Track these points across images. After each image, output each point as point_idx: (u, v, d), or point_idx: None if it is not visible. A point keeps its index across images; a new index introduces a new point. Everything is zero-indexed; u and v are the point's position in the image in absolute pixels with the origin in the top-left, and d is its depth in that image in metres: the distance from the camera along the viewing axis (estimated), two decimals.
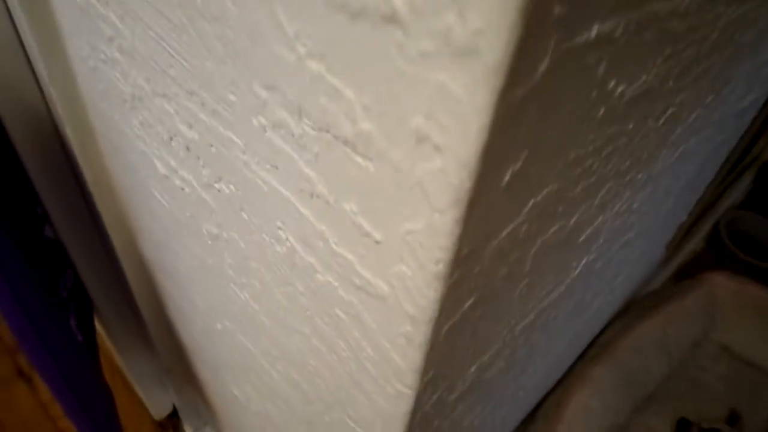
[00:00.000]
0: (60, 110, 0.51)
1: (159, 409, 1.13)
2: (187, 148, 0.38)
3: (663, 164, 0.47)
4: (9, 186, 0.61)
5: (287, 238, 0.34)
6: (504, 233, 0.26)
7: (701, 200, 1.05)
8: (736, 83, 0.52)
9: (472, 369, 0.40)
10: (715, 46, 0.36)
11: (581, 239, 0.40)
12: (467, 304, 0.29)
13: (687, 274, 1.46)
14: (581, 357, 1.12)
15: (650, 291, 1.33)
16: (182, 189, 0.43)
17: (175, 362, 0.88)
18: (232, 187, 0.36)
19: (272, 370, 0.51)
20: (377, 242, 0.27)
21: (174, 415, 1.15)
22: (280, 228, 0.34)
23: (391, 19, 0.19)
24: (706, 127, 0.54)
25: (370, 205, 0.25)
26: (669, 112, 0.37)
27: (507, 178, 0.22)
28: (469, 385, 0.42)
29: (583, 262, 0.47)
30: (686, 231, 1.24)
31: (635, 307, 1.21)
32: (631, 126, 0.31)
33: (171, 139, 0.40)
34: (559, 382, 1.08)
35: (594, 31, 0.20)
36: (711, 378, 1.23)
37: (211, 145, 0.35)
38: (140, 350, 0.96)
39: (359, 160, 0.24)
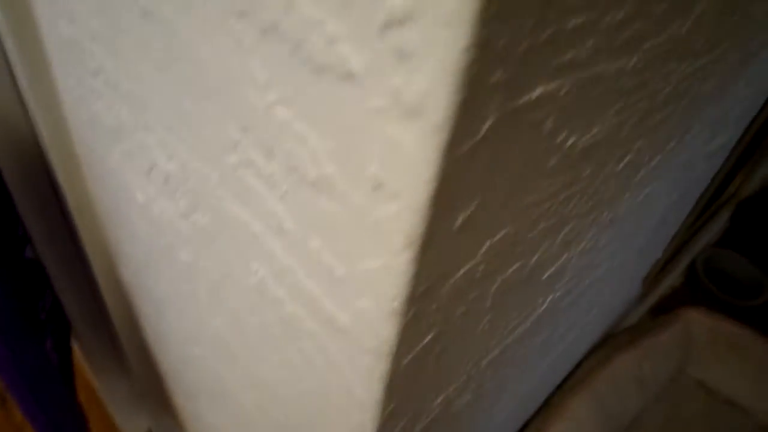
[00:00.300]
0: (45, 136, 0.52)
1: None
2: (166, 180, 0.39)
3: (628, 205, 0.49)
4: None
5: (257, 270, 0.35)
6: (460, 273, 0.28)
7: (676, 237, 1.08)
8: (700, 129, 0.54)
9: (438, 401, 0.41)
10: (671, 98, 0.38)
11: (545, 277, 0.42)
12: (426, 339, 0.30)
13: (664, 309, 1.48)
14: (559, 388, 1.13)
15: (627, 325, 1.34)
16: (160, 218, 0.44)
17: (151, 386, 0.88)
18: (206, 219, 0.37)
19: (245, 397, 0.51)
20: (340, 278, 0.28)
21: None
22: (250, 260, 0.35)
23: (349, 76, 0.20)
24: (672, 170, 0.56)
25: (334, 242, 0.27)
26: (627, 158, 0.39)
27: (459, 222, 0.24)
28: (434, 417, 0.43)
29: (549, 298, 0.48)
30: (662, 267, 1.26)
31: (612, 341, 1.23)
32: (587, 172, 0.33)
33: (151, 169, 0.41)
34: (537, 413, 1.09)
35: (538, 92, 0.22)
36: (686, 413, 1.24)
37: (188, 179, 0.36)
38: (116, 373, 0.95)
39: (323, 200, 0.26)
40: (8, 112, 0.59)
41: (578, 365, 1.17)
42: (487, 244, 0.28)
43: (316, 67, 0.22)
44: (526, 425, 1.08)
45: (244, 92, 0.26)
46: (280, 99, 0.24)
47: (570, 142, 0.28)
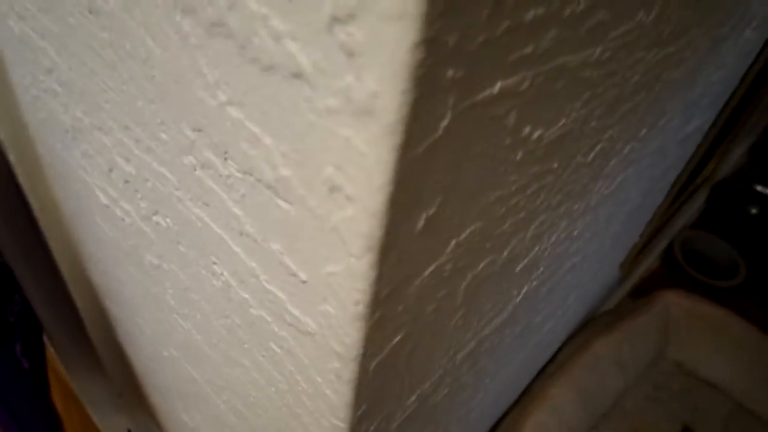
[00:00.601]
0: (3, 137, 0.51)
1: None
2: (126, 181, 0.38)
3: (601, 194, 0.49)
4: None
5: (222, 273, 0.34)
6: (427, 272, 0.27)
7: (652, 221, 1.08)
8: (672, 115, 0.54)
9: (412, 398, 0.40)
10: (640, 86, 0.37)
11: (518, 269, 0.41)
12: (395, 341, 0.29)
13: (643, 292, 1.50)
14: (539, 375, 1.14)
15: (606, 310, 1.35)
16: (123, 219, 0.43)
17: (127, 386, 0.86)
18: (168, 220, 0.36)
19: (218, 399, 0.51)
20: (303, 282, 0.27)
21: None
22: (215, 263, 0.34)
23: (298, 75, 0.19)
24: (645, 157, 0.56)
25: (294, 246, 0.26)
26: (598, 147, 0.38)
27: (421, 223, 0.23)
28: (410, 413, 0.42)
29: (525, 289, 0.48)
30: (639, 251, 1.26)
31: (591, 326, 1.24)
32: (555, 165, 0.32)
33: (110, 170, 0.39)
34: (517, 401, 1.09)
35: (497, 87, 0.21)
36: (665, 395, 1.26)
37: (147, 180, 0.35)
38: (93, 374, 0.94)
39: (281, 203, 0.25)
40: None
41: (558, 351, 1.17)
42: (453, 242, 0.27)
43: (265, 66, 0.21)
44: (506, 413, 1.08)
45: (194, 91, 0.25)
46: (231, 98, 0.23)
47: (536, 135, 0.27)
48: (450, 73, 0.18)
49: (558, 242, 0.47)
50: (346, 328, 0.26)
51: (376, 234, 0.21)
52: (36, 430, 0.69)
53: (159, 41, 0.25)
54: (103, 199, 0.44)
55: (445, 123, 0.19)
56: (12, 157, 0.52)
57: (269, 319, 0.32)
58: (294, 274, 0.27)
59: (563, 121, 0.29)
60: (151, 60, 0.27)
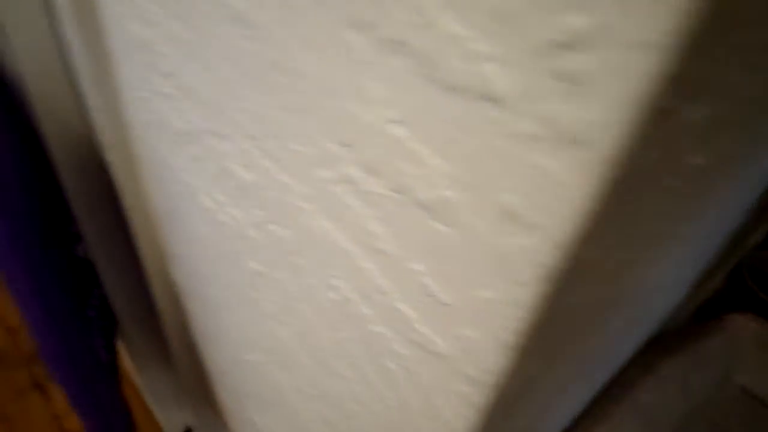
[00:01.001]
0: (105, 136, 0.52)
1: (172, 428, 1.12)
2: (239, 188, 0.38)
3: (716, 216, 0.47)
4: (47, 205, 0.61)
5: (340, 287, 0.34)
6: (583, 303, 0.26)
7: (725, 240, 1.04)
8: None
9: (521, 423, 0.39)
10: None
11: (627, 300, 0.40)
12: (532, 372, 0.28)
13: (707, 312, 1.44)
14: (601, 395, 1.11)
15: (671, 330, 1.31)
16: (228, 225, 0.43)
17: (195, 383, 0.87)
18: (285, 231, 0.36)
19: (303, 406, 0.50)
20: (444, 304, 0.26)
21: None
22: (334, 276, 0.34)
23: (490, 98, 0.19)
24: (755, 175, 0.54)
25: (442, 268, 0.25)
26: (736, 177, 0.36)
27: (611, 264, 0.22)
28: None
29: (622, 318, 0.46)
30: (710, 271, 1.22)
31: (656, 347, 1.20)
32: (711, 196, 0.31)
33: (222, 176, 0.40)
34: (578, 421, 1.07)
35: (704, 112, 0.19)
36: (731, 421, 1.21)
37: (267, 189, 0.35)
38: (159, 369, 0.95)
39: (436, 225, 0.24)
40: (66, 111, 0.58)
41: (622, 371, 1.14)
42: (624, 275, 0.26)
43: (448, 86, 0.20)
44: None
45: (349, 107, 0.25)
46: (396, 117, 0.23)
47: (701, 169, 0.25)
48: (690, 114, 0.17)
49: (667, 269, 0.45)
50: (487, 354, 0.26)
51: (558, 266, 0.20)
52: (113, 420, 0.70)
53: (315, 55, 0.25)
54: (207, 203, 0.44)
55: (655, 161, 0.18)
56: (111, 156, 0.53)
57: (390, 336, 0.32)
58: (433, 295, 0.27)
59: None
60: (301, 74, 0.26)
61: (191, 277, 0.59)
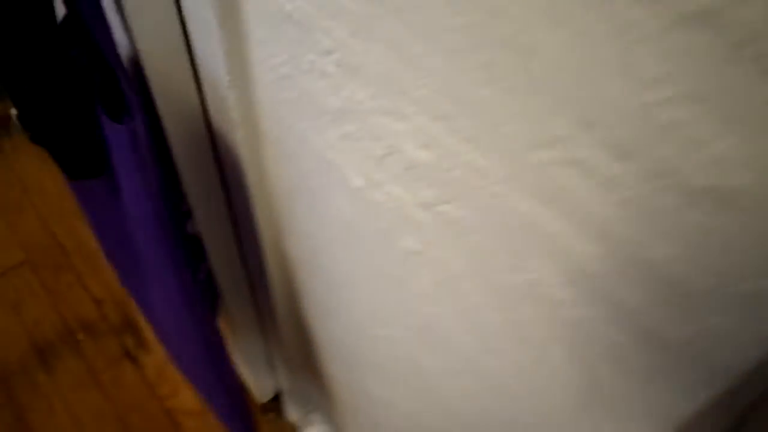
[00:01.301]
0: (234, 113, 0.51)
1: (263, 393, 1.15)
2: (408, 168, 0.37)
3: None
4: (166, 184, 0.62)
5: (533, 269, 0.32)
6: None
7: None
8: None
9: None
10: None
11: None
12: None
13: None
14: None
15: None
16: (383, 204, 0.42)
17: (295, 351, 0.89)
18: (461, 212, 0.35)
19: (445, 381, 0.50)
20: (688, 294, 0.25)
21: (275, 400, 1.17)
22: (523, 258, 0.32)
23: None
24: None
25: (701, 257, 0.24)
26: None
27: None
28: None
29: None
30: None
31: None
32: None
33: (386, 155, 0.38)
34: None
35: None
36: None
37: (450, 169, 0.34)
38: (254, 337, 0.97)
39: (695, 213, 0.22)
40: (182, 89, 0.57)
41: None
42: None
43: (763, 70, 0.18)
44: None
45: (603, 86, 0.23)
46: (676, 96, 0.21)
47: None
48: None
49: None
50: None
51: None
52: (227, 385, 0.71)
53: (563, 30, 0.23)
54: (357, 182, 0.43)
55: None
56: (239, 136, 0.53)
57: (599, 320, 0.31)
58: (679, 285, 0.25)
59: None
60: (536, 50, 0.25)
61: (315, 252, 0.59)
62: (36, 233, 1.54)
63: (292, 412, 1.14)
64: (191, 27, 0.51)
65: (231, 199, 0.70)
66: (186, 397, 1.26)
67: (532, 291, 0.33)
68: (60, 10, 0.49)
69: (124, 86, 0.47)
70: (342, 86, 0.38)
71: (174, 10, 0.51)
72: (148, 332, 1.35)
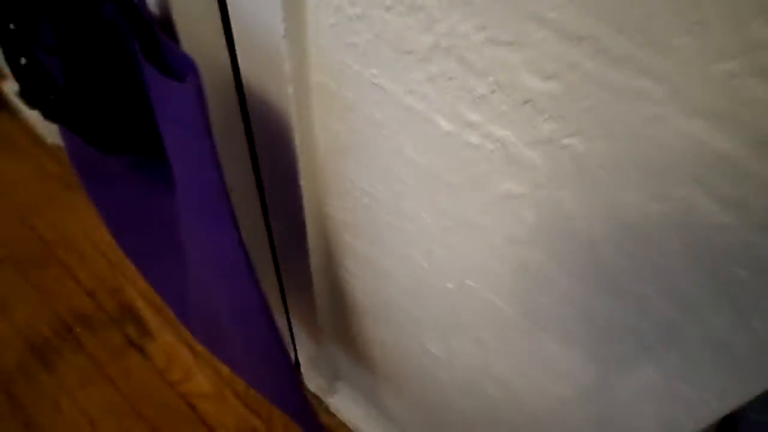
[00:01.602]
0: (288, 66, 0.47)
1: None
2: (524, 102, 0.34)
3: None
4: None
5: (682, 196, 0.31)
6: None
7: None
8: None
9: None
10: None
11: None
12: None
13: None
14: None
15: None
16: (478, 146, 0.39)
17: (327, 318, 0.87)
18: (594, 144, 0.33)
19: (536, 335, 0.49)
20: None
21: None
22: (674, 185, 0.31)
23: None
24: None
25: None
26: None
27: None
28: None
29: None
30: None
31: None
32: None
33: (490, 93, 0.36)
34: None
35: None
36: None
37: (584, 98, 0.31)
38: (275, 308, 0.95)
39: None
40: (214, 51, 0.53)
41: None
42: None
43: None
44: None
45: None
46: None
47: None
48: None
49: None
50: None
51: None
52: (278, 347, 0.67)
53: None
54: (447, 126, 0.40)
55: None
56: (290, 89, 0.49)
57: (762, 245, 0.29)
58: None
59: None
60: None
61: (366, 210, 0.57)
62: (14, 228, 1.45)
63: (313, 382, 1.12)
64: None
65: (258, 161, 0.66)
66: (199, 380, 1.22)
67: (680, 219, 0.32)
68: None
69: (166, 41, 0.43)
70: (438, 20, 0.35)
71: None
72: (150, 318, 1.30)
